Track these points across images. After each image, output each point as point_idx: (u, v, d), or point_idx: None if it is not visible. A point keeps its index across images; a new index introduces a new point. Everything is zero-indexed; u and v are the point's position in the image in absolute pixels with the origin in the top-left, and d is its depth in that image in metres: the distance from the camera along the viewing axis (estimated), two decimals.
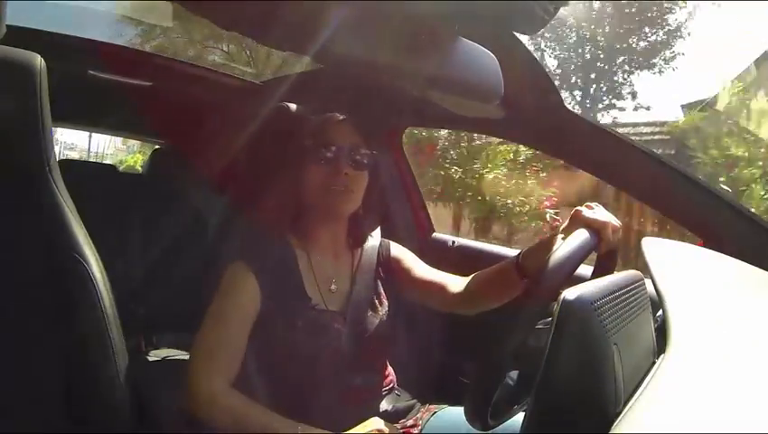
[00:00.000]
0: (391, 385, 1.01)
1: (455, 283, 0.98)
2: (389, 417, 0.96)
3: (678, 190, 1.02)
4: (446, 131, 5.36)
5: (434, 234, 1.69)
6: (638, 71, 11.45)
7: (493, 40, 0.84)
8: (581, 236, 0.71)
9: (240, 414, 0.82)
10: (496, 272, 0.93)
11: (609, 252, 0.78)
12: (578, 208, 0.79)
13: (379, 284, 1.01)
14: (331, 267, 0.98)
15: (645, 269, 0.69)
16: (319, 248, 0.98)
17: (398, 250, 1.06)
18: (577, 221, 0.77)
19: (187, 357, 1.24)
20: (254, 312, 0.89)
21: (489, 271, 0.95)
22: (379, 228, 1.08)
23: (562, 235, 0.78)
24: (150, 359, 1.59)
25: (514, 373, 0.69)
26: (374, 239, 1.05)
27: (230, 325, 0.87)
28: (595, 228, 0.74)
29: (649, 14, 10.56)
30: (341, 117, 0.96)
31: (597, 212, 0.77)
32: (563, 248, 0.67)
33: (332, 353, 0.89)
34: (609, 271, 0.79)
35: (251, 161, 1.24)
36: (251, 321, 0.88)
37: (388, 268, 1.04)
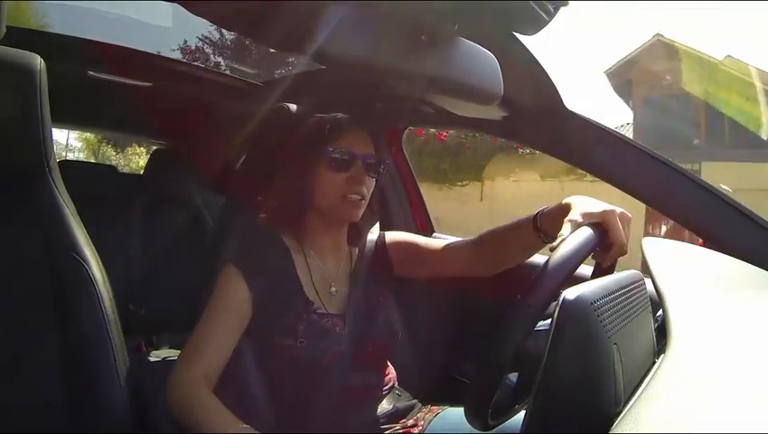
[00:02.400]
0: (391, 384, 1.01)
1: (466, 245, 0.97)
2: (389, 416, 0.96)
3: (678, 190, 1.02)
4: None
5: (434, 234, 1.69)
6: None
7: (493, 40, 0.84)
8: (583, 235, 0.71)
9: (198, 409, 0.80)
10: (513, 229, 0.91)
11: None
12: (615, 210, 0.76)
13: (380, 282, 1.01)
14: (330, 269, 0.98)
15: (645, 269, 0.69)
16: (318, 250, 0.97)
17: (392, 236, 1.05)
18: (605, 222, 0.75)
19: None
20: (243, 314, 0.88)
21: (504, 229, 0.93)
22: (378, 224, 1.08)
23: (580, 219, 0.75)
24: (150, 359, 1.59)
25: (514, 375, 0.69)
26: (372, 235, 1.05)
27: (216, 325, 0.87)
28: (611, 240, 0.73)
29: None
30: (356, 125, 0.96)
31: (625, 228, 0.75)
32: (562, 249, 0.67)
33: (333, 356, 0.89)
34: (609, 271, 0.79)
35: (251, 161, 1.24)
36: (240, 324, 0.88)
37: (387, 258, 1.03)
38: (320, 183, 0.92)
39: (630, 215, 0.77)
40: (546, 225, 0.85)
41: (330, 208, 0.94)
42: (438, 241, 1.01)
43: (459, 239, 0.99)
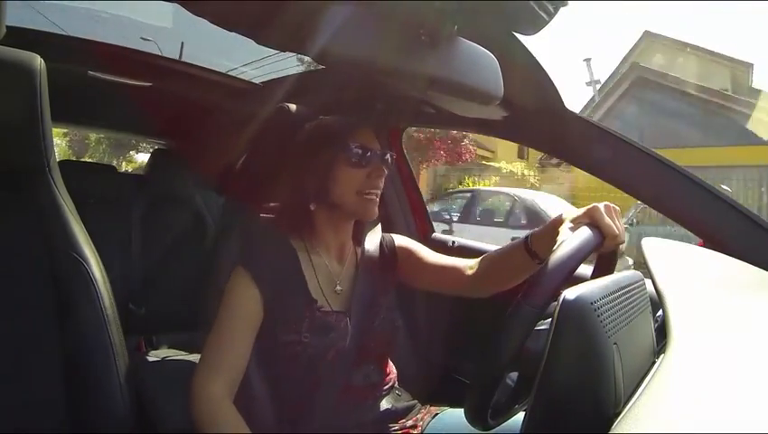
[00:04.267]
0: (392, 384, 1.01)
1: (466, 266, 0.98)
2: (389, 416, 0.96)
3: (678, 190, 1.02)
4: None
5: (433, 234, 1.69)
6: None
7: (493, 40, 0.84)
8: (583, 235, 0.71)
9: (224, 425, 0.81)
10: (507, 253, 0.93)
11: (609, 253, 0.78)
12: (598, 205, 0.77)
13: (383, 281, 1.01)
14: (335, 267, 0.98)
15: (645, 269, 0.69)
16: (324, 248, 0.98)
17: (402, 241, 1.07)
18: (590, 217, 0.76)
19: (187, 357, 1.24)
20: (256, 318, 0.89)
21: (500, 252, 0.95)
22: (379, 225, 1.08)
23: (571, 225, 0.77)
24: (150, 359, 1.59)
25: (514, 375, 0.69)
26: (375, 235, 1.06)
27: (232, 333, 0.87)
28: (604, 232, 0.73)
29: None
30: (365, 124, 0.97)
31: (614, 218, 0.76)
32: (563, 248, 0.67)
33: (336, 354, 0.89)
34: (609, 271, 0.79)
35: (251, 162, 1.24)
36: (254, 327, 0.89)
37: (394, 261, 1.04)
38: (339, 179, 0.92)
39: (616, 207, 0.78)
40: (537, 246, 0.86)
41: (348, 205, 0.94)
42: (442, 258, 1.02)
43: (460, 259, 1.01)
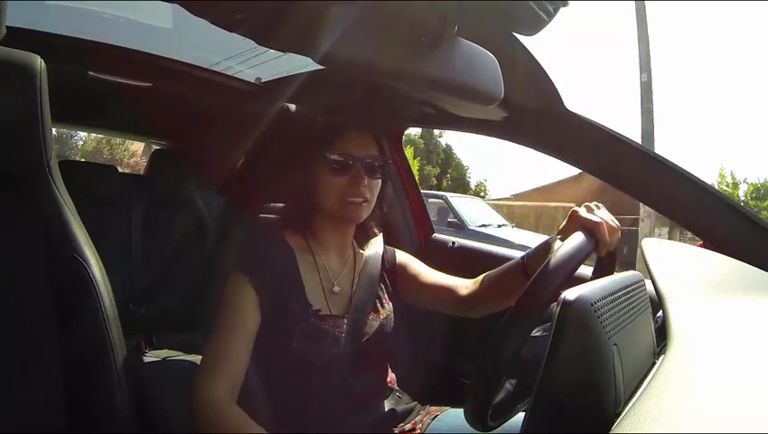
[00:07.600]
0: (390, 386, 1.01)
1: (463, 286, 0.99)
2: (388, 419, 0.95)
3: (678, 190, 1.02)
4: None
5: (434, 235, 1.69)
6: None
7: (493, 41, 0.84)
8: (577, 239, 0.71)
9: (234, 426, 0.80)
10: (503, 274, 0.93)
11: (608, 253, 0.78)
12: (575, 208, 0.80)
13: (382, 288, 1.01)
14: (335, 269, 0.98)
15: (645, 270, 0.69)
16: (324, 250, 0.98)
17: (403, 257, 1.07)
18: (574, 222, 0.77)
19: (187, 358, 1.24)
20: (254, 322, 0.88)
21: (496, 273, 0.95)
22: (381, 235, 1.08)
23: (560, 236, 0.79)
24: (150, 359, 1.59)
25: (512, 381, 0.69)
26: (378, 245, 1.05)
27: (231, 337, 0.86)
28: (590, 229, 0.75)
29: None
30: (356, 126, 0.96)
31: (595, 213, 0.77)
32: (559, 251, 0.67)
33: (334, 358, 0.89)
34: (608, 272, 0.79)
35: (251, 162, 1.24)
36: (253, 331, 0.88)
37: (394, 275, 1.04)
38: (321, 186, 0.93)
39: (598, 203, 0.81)
40: (533, 266, 0.87)
41: (333, 210, 0.94)
42: (439, 277, 1.03)
43: (456, 279, 1.01)
